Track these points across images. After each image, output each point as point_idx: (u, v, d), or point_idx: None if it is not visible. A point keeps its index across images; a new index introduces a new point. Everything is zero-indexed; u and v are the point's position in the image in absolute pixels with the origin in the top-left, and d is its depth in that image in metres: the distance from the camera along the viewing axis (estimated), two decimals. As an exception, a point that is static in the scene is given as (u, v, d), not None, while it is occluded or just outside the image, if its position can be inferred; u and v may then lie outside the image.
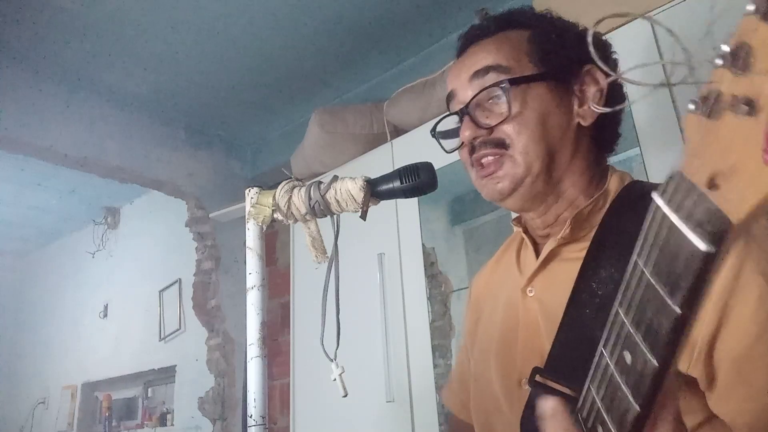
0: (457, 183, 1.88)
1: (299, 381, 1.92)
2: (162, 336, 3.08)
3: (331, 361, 0.72)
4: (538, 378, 0.47)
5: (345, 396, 0.71)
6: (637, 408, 0.32)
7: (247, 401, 0.70)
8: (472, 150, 0.72)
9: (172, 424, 3.03)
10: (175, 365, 2.98)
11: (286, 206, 0.74)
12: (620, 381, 0.34)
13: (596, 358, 0.36)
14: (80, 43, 2.08)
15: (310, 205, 0.73)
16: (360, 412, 1.66)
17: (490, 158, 0.70)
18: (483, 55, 0.72)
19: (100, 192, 3.37)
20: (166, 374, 3.13)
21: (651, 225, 0.30)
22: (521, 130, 0.68)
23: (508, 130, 0.69)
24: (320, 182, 0.73)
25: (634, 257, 0.32)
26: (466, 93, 0.72)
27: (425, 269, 1.65)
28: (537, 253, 0.74)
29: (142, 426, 3.31)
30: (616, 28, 1.24)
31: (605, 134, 0.75)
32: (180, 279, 3.00)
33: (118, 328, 3.47)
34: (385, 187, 0.71)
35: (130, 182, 2.59)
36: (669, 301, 0.28)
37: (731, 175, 0.24)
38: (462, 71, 0.74)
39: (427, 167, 0.70)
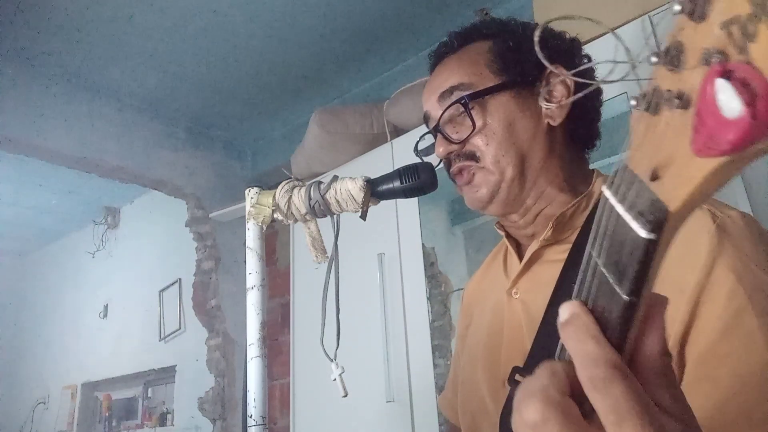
0: (457, 183, 1.88)
1: (299, 381, 1.92)
2: (162, 336, 3.08)
3: (331, 361, 0.72)
4: (517, 377, 0.47)
5: (345, 396, 0.71)
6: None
7: (247, 401, 0.70)
8: (449, 164, 0.75)
9: (172, 424, 3.03)
10: (175, 365, 2.98)
11: (286, 206, 0.74)
12: None
13: (558, 351, 0.37)
14: (80, 43, 2.08)
15: (310, 205, 0.73)
16: (360, 412, 1.66)
17: (464, 170, 0.73)
18: (447, 75, 0.75)
19: (100, 192, 3.37)
20: (166, 374, 3.13)
21: (601, 217, 0.31)
22: (489, 141, 0.71)
23: (477, 142, 0.72)
24: (320, 182, 0.73)
25: (588, 249, 0.33)
26: (437, 113, 0.75)
27: (425, 269, 1.65)
28: (521, 256, 0.76)
29: (142, 426, 3.31)
30: (617, 27, 1.24)
31: (580, 131, 0.76)
32: (180, 279, 3.00)
33: (118, 328, 3.47)
34: (385, 187, 0.71)
35: (130, 182, 2.59)
36: (617, 289, 0.29)
37: (668, 166, 0.26)
38: (431, 93, 0.77)
39: (427, 167, 0.71)
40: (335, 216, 0.74)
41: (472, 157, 0.72)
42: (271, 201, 0.75)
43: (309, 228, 0.77)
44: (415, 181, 0.69)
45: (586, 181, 0.74)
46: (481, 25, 0.80)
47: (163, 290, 3.14)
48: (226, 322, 2.66)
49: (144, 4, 1.89)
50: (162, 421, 3.15)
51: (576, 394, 0.30)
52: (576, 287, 0.34)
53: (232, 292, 2.69)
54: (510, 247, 0.78)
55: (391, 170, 0.71)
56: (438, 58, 0.80)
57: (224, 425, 2.55)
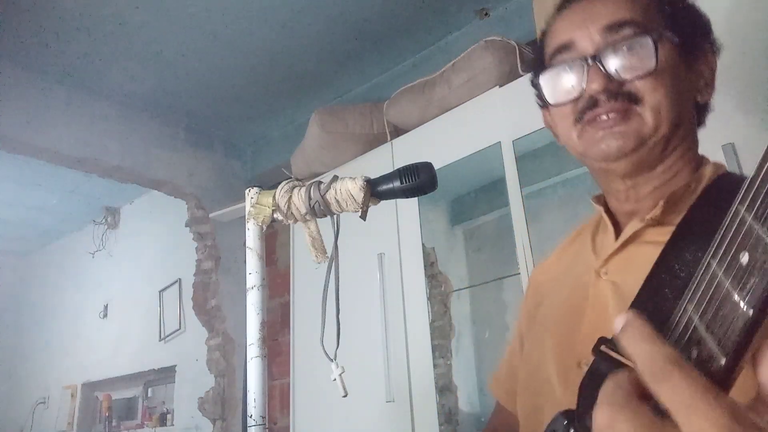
0: (457, 183, 1.88)
1: (299, 381, 1.92)
2: (162, 336, 3.08)
3: (331, 361, 0.72)
4: (603, 348, 0.44)
5: (345, 396, 0.71)
6: (749, 313, 0.28)
7: (247, 401, 0.70)
8: (593, 104, 0.65)
9: (172, 424, 3.03)
10: (175, 365, 2.98)
11: (286, 206, 0.74)
12: (729, 285, 0.30)
13: (700, 273, 0.32)
14: (80, 43, 2.08)
15: (310, 205, 0.73)
16: (360, 412, 1.66)
17: (614, 114, 0.64)
18: (616, 8, 0.66)
19: (100, 192, 3.37)
20: (166, 374, 3.13)
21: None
22: (657, 87, 0.63)
23: (644, 85, 0.63)
24: (320, 182, 0.73)
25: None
26: (592, 43, 0.66)
27: (425, 269, 1.65)
28: (616, 235, 0.69)
29: (142, 426, 3.31)
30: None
31: (707, 112, 0.72)
32: (180, 279, 3.00)
33: (118, 328, 3.47)
34: (385, 187, 0.71)
35: (130, 182, 2.59)
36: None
37: None
38: (588, 22, 0.67)
39: (427, 167, 0.70)
40: (335, 216, 0.74)
41: (633, 98, 0.63)
42: (271, 201, 0.75)
43: (309, 228, 0.77)
44: (415, 181, 0.69)
45: (698, 163, 0.69)
46: None
47: (163, 290, 3.14)
48: (226, 322, 2.66)
49: (144, 4, 1.89)
50: (162, 421, 3.15)
51: (647, 396, 0.31)
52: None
53: (232, 292, 2.70)
54: (607, 223, 0.71)
55: (391, 170, 0.71)
56: None
57: (224, 425, 2.55)
